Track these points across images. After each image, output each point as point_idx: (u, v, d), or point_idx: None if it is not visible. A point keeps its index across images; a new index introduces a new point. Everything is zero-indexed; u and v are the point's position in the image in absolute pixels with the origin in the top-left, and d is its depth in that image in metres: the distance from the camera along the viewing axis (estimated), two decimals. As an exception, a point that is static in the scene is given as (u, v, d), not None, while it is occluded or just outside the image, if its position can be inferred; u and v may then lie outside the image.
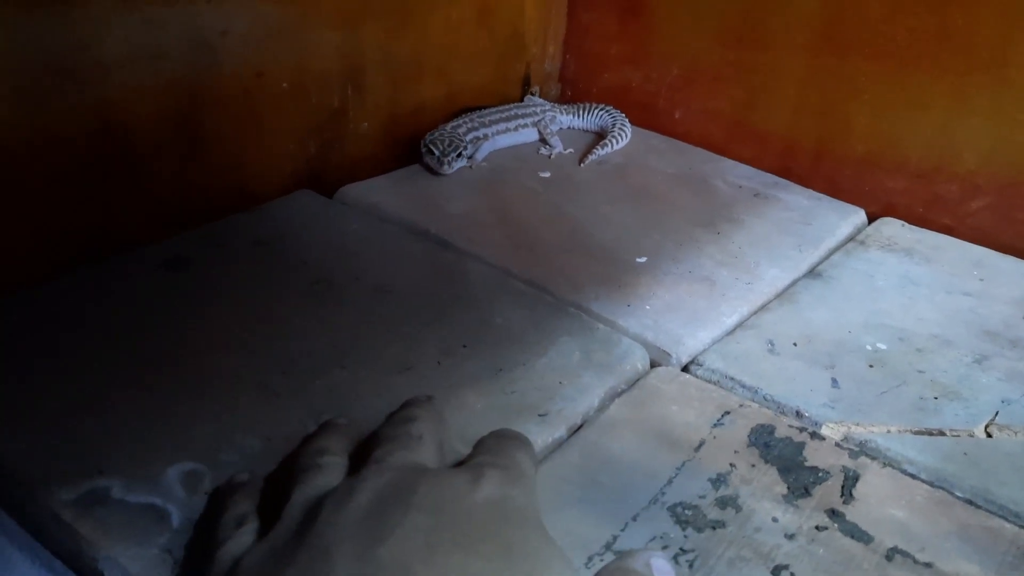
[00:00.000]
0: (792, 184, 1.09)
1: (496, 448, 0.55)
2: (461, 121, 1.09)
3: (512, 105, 1.16)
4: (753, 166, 1.12)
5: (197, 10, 0.82)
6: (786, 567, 0.57)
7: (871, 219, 1.04)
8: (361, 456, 0.55)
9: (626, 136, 1.15)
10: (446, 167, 1.02)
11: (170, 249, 0.84)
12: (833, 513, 0.61)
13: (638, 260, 0.91)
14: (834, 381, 0.75)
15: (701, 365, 0.77)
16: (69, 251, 0.80)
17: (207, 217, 0.88)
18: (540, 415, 0.68)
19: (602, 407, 0.71)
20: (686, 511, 0.60)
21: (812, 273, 0.92)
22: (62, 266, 0.78)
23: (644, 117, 1.21)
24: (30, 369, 0.67)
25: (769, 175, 1.11)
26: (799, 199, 1.06)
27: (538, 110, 1.16)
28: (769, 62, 1.08)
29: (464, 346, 0.74)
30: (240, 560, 0.47)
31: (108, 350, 0.70)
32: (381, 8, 0.99)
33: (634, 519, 0.60)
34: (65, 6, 0.73)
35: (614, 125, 1.16)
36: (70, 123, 0.76)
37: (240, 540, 0.50)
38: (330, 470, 0.53)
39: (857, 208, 1.04)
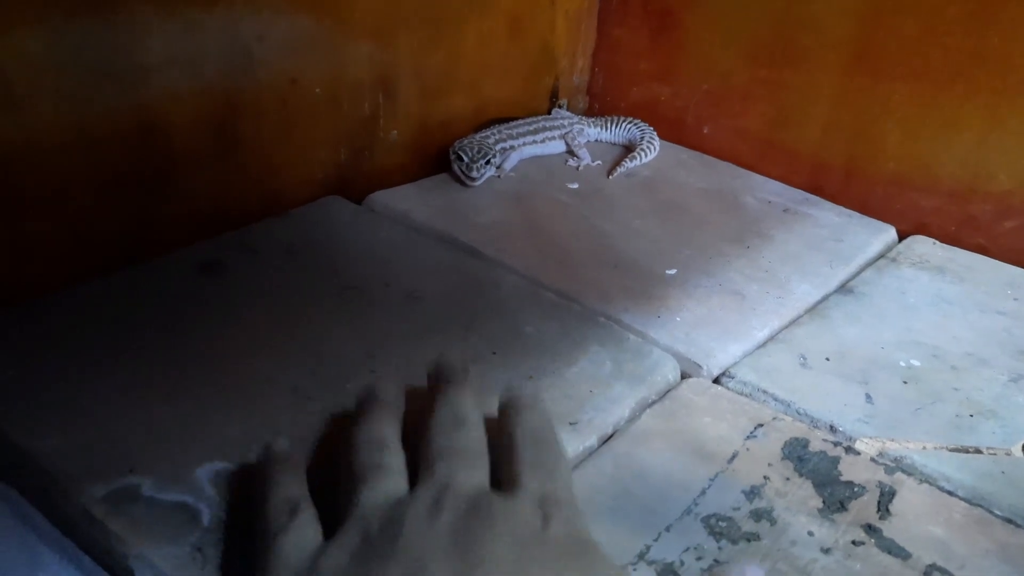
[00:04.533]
0: (822, 201, 1.08)
1: (540, 465, 0.56)
2: (490, 132, 1.09)
3: (540, 117, 1.17)
4: (783, 183, 1.12)
5: (235, 16, 0.82)
6: (823, 582, 0.56)
7: (902, 237, 1.03)
8: (419, 459, 0.55)
9: (654, 149, 1.15)
10: (475, 173, 1.02)
11: (204, 253, 0.84)
12: (870, 528, 0.60)
13: (668, 272, 0.90)
14: (868, 397, 0.74)
15: (733, 378, 0.76)
16: (106, 252, 0.80)
17: (240, 221, 0.88)
18: (571, 423, 0.67)
19: (633, 417, 0.70)
20: (720, 523, 0.60)
21: (843, 289, 0.91)
22: (100, 267, 0.78)
23: (672, 132, 1.21)
24: (65, 367, 0.68)
25: (799, 191, 1.10)
26: (829, 216, 1.05)
27: (566, 122, 1.16)
28: (800, 80, 1.08)
29: (494, 353, 0.74)
30: (318, 560, 0.48)
31: (142, 351, 0.70)
32: (414, 19, 1.00)
33: (667, 530, 0.59)
34: (107, 11, 0.74)
35: (642, 138, 1.16)
36: (110, 126, 0.77)
37: (302, 533, 0.51)
38: (394, 472, 0.54)
39: (887, 225, 1.03)
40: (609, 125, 1.19)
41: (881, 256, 0.99)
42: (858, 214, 1.06)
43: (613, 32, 1.24)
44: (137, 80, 0.77)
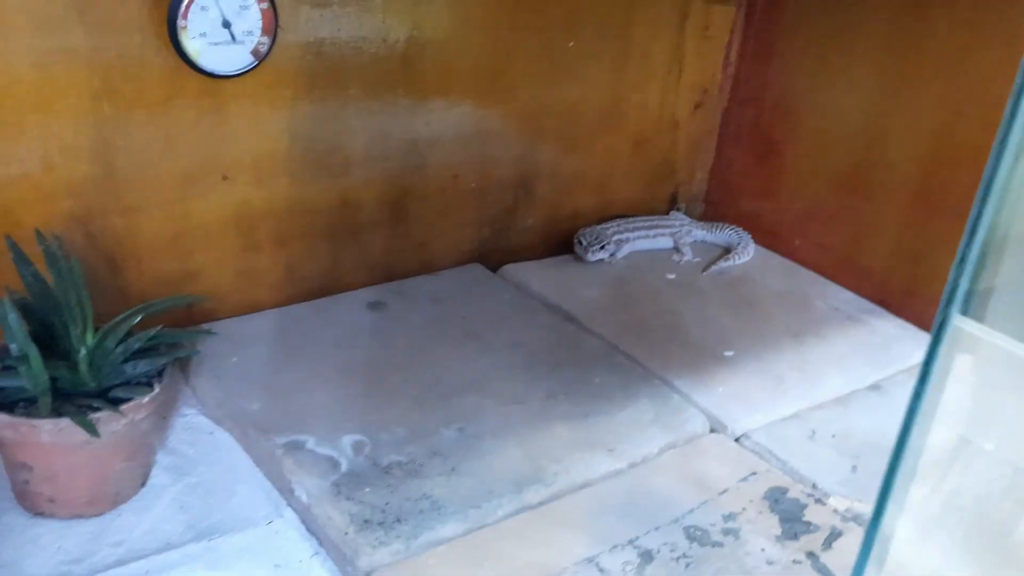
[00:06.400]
0: (886, 313, 1.26)
1: None
2: (611, 224, 1.36)
3: (656, 217, 1.42)
4: (855, 294, 1.30)
5: (416, 126, 1.14)
6: (759, 581, 0.77)
7: (949, 352, 1.19)
8: None
9: (748, 253, 1.37)
10: (589, 255, 1.28)
11: (372, 295, 1.15)
12: (811, 555, 0.80)
13: (725, 354, 1.12)
14: (854, 468, 0.93)
15: (748, 438, 0.97)
16: (307, 286, 1.12)
17: (402, 274, 1.20)
18: (609, 450, 0.91)
19: (659, 454, 0.93)
20: (696, 531, 0.82)
21: (872, 387, 1.09)
22: (302, 296, 1.12)
23: (769, 241, 1.42)
24: (271, 359, 0.99)
25: (867, 302, 1.28)
26: (887, 326, 1.23)
27: (677, 223, 1.41)
28: (874, 209, 1.28)
29: (565, 393, 0.99)
30: None
31: (321, 356, 1.01)
32: (554, 134, 1.29)
33: (656, 529, 0.82)
34: (327, 121, 1.07)
35: (739, 243, 1.38)
36: (321, 199, 1.10)
37: None
38: None
39: (936, 340, 1.20)
40: (713, 229, 1.42)
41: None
42: (914, 327, 1.23)
43: (728, 153, 1.48)
44: (343, 169, 1.10)
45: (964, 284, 0.60)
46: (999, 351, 0.60)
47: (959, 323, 0.61)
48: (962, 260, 0.61)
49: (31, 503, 0.79)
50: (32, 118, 0.88)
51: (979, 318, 0.58)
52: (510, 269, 1.28)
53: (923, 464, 0.65)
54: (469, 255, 1.27)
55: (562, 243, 1.35)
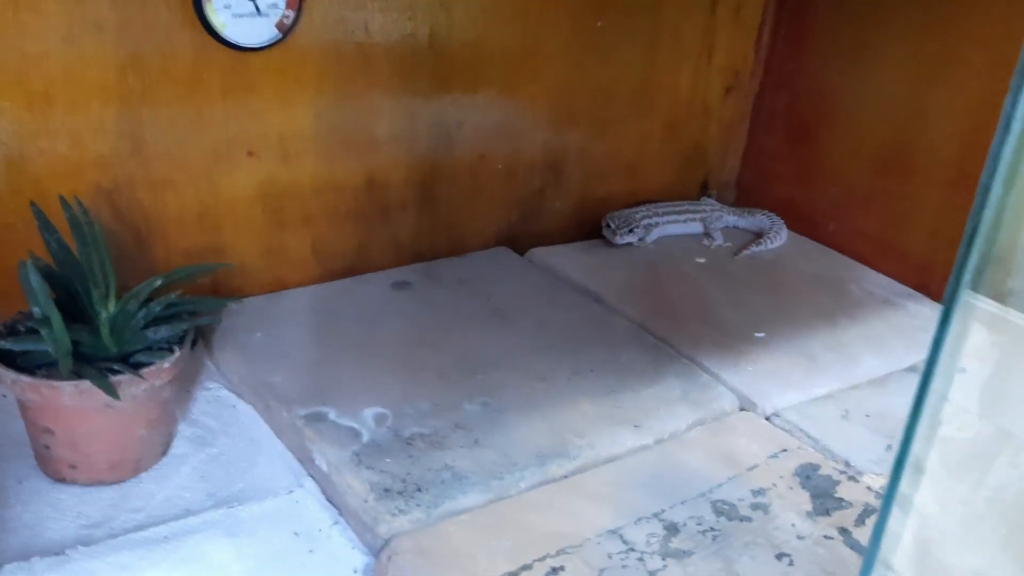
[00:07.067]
0: (924, 298, 1.22)
1: None
2: (640, 208, 1.34)
3: (686, 202, 1.40)
4: (893, 279, 1.27)
5: (442, 107, 1.13)
6: (788, 555, 0.74)
7: (990, 336, 1.16)
8: None
9: (781, 238, 1.35)
10: (618, 238, 1.27)
11: (399, 275, 1.15)
12: (843, 530, 0.77)
13: (756, 335, 1.10)
14: (888, 447, 0.90)
15: (779, 416, 0.94)
16: (333, 265, 1.12)
17: (429, 256, 1.19)
18: (635, 426, 0.89)
19: (687, 430, 0.91)
20: (724, 505, 0.79)
21: (911, 368, 1.06)
22: (327, 275, 1.11)
23: (804, 227, 1.39)
24: (296, 335, 0.99)
25: (904, 287, 1.25)
26: (925, 310, 1.19)
27: (708, 209, 1.38)
28: (912, 191, 1.24)
29: (591, 370, 0.97)
30: None
31: (346, 333, 1.01)
32: (583, 117, 1.27)
33: (682, 503, 0.80)
34: (355, 100, 1.06)
35: (771, 228, 1.36)
36: (347, 178, 1.09)
37: None
38: None
39: (976, 324, 1.16)
40: (745, 214, 1.39)
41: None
42: (953, 311, 1.19)
43: (760, 139, 1.45)
44: (370, 149, 1.09)
45: (974, 259, 0.57)
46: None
47: (973, 300, 0.58)
48: (972, 235, 0.57)
49: (52, 469, 0.79)
50: (61, 91, 0.89)
51: (999, 298, 0.55)
52: (537, 252, 1.26)
53: (959, 457, 0.63)
54: (497, 239, 1.26)
55: (591, 229, 1.34)
